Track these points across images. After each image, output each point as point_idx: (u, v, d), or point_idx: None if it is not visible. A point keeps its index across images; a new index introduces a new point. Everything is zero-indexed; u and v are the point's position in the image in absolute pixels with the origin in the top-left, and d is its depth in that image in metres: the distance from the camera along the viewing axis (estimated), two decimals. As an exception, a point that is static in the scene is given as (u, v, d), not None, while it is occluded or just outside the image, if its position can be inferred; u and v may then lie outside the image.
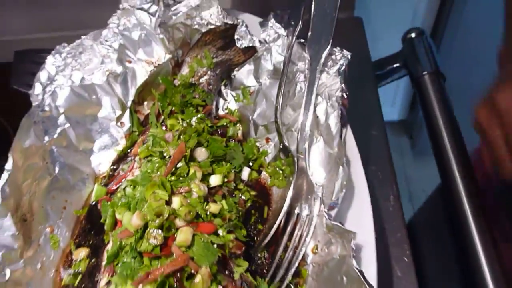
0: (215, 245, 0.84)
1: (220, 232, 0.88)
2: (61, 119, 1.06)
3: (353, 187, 0.91)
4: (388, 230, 1.06)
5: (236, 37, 1.12)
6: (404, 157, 3.70)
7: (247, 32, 1.11)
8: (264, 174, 1.09)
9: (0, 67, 1.50)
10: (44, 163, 1.02)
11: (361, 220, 0.87)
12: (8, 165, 0.93)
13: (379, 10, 2.20)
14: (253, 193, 1.06)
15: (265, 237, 0.97)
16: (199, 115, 1.07)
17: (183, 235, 0.81)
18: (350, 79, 1.03)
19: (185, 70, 1.17)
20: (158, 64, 1.13)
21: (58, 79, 1.07)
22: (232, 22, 1.10)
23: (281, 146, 1.06)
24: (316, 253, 0.95)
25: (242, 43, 1.12)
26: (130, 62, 1.12)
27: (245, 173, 1.07)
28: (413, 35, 1.57)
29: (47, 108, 1.05)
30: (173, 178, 0.93)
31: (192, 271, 0.80)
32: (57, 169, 1.04)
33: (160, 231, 0.82)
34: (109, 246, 0.91)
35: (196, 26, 1.13)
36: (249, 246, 0.97)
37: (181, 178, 0.93)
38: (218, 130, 1.11)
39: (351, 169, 0.93)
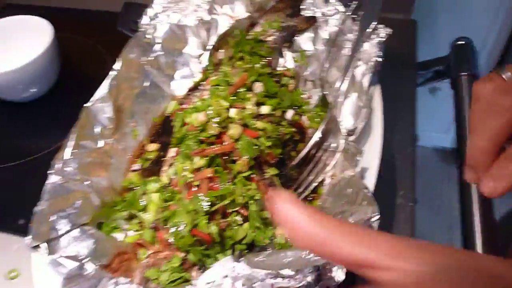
0: (255, 146, 1.10)
1: (261, 140, 1.14)
2: (157, 47, 1.38)
3: (370, 127, 1.14)
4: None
5: (302, 7, 1.38)
6: (449, 185, 3.77)
7: (312, 4, 1.37)
8: (304, 117, 1.34)
9: (110, 15, 1.83)
10: (138, 76, 1.33)
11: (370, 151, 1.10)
12: (116, 66, 1.25)
13: (437, 15, 2.38)
14: (293, 129, 1.31)
15: (295, 159, 1.22)
16: (262, 62, 1.34)
17: (234, 129, 1.08)
18: (392, 75, 1.25)
19: (257, 29, 1.45)
20: (237, 20, 1.42)
21: (160, 16, 1.39)
22: (301, -5, 1.38)
23: (321, 97, 1.31)
24: (334, 178, 1.18)
25: (306, 13, 1.38)
26: (216, 13, 1.41)
27: (289, 113, 1.32)
28: (461, 42, 1.75)
29: (148, 36, 1.37)
30: (234, 97, 1.20)
31: (235, 158, 1.07)
32: (146, 83, 1.35)
33: (217, 125, 1.09)
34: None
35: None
36: (281, 163, 1.22)
37: (239, 100, 1.20)
38: (274, 78, 1.37)
39: (372, 116, 1.16)
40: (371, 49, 1.27)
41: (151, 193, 1.11)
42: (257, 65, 1.33)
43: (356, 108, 1.23)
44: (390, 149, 1.32)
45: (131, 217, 1.13)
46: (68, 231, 0.96)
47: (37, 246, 0.90)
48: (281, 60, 1.48)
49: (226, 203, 1.00)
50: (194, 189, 1.02)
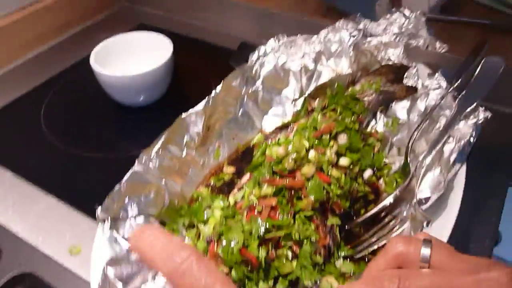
0: (324, 191, 1.12)
1: (332, 187, 1.15)
2: (259, 82, 1.48)
3: (446, 204, 1.10)
4: None
5: (405, 75, 1.40)
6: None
7: (415, 75, 1.39)
8: (381, 181, 1.32)
9: (225, 50, 1.99)
10: (234, 103, 1.43)
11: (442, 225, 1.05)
12: (218, 89, 1.35)
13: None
14: (367, 189, 1.30)
15: (363, 217, 1.20)
16: (352, 118, 1.37)
17: (308, 168, 1.11)
18: (483, 161, 1.22)
19: (357, 87, 1.49)
20: (339, 74, 1.48)
21: (269, 56, 1.49)
22: (407, 64, 1.40)
23: (403, 165, 1.29)
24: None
25: (407, 82, 1.40)
26: (321, 64, 1.49)
27: (367, 173, 1.32)
28: None
29: (253, 71, 1.47)
30: (316, 141, 1.23)
31: (302, 195, 1.09)
32: (240, 112, 1.44)
33: (293, 161, 1.13)
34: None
35: (379, 58, 1.45)
36: (346, 217, 1.21)
37: (319, 143, 1.23)
38: (362, 136, 1.38)
39: (451, 193, 1.12)
40: (465, 128, 1.24)
41: (215, 209, 1.16)
42: (347, 119, 1.36)
43: (436, 183, 1.20)
44: (466, 239, 1.25)
45: (191, 226, 1.18)
46: (134, 216, 1.03)
47: (104, 220, 0.98)
48: (372, 122, 1.50)
49: (281, 235, 1.01)
50: (254, 213, 1.05)
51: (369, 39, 1.46)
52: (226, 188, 1.29)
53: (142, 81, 1.62)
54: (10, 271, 1.18)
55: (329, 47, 1.49)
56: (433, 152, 1.23)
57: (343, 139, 1.29)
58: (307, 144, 1.19)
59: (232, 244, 0.97)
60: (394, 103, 1.47)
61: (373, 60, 1.48)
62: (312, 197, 1.09)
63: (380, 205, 1.20)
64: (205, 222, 1.15)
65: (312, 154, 1.18)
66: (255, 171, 1.17)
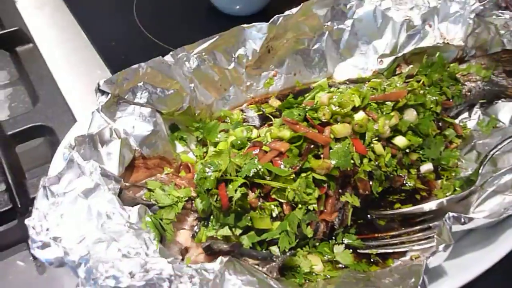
0: (352, 160, 0.91)
1: (365, 161, 0.94)
2: (349, 21, 1.25)
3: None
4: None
5: (528, 70, 1.08)
6: None
7: (542, 73, 1.06)
8: (438, 182, 1.07)
9: None
10: (312, 34, 1.23)
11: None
12: (294, 10, 1.16)
13: None
14: (418, 184, 1.06)
15: (392, 212, 0.99)
16: (436, 98, 1.10)
17: (342, 127, 0.91)
18: None
19: (463, 66, 1.19)
20: (447, 43, 1.19)
21: (374, -5, 1.24)
22: (537, 57, 1.07)
23: (472, 174, 1.02)
24: (413, 260, 0.92)
25: (528, 79, 1.08)
26: (430, 24, 1.20)
27: (427, 167, 1.07)
28: None
29: (348, 5, 1.24)
30: (374, 105, 1.01)
31: (321, 155, 0.90)
32: (314, 47, 1.25)
33: (328, 112, 0.93)
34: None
35: (505, 40, 1.13)
36: (371, 203, 1.00)
37: (380, 110, 1.00)
38: (440, 123, 1.12)
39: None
40: None
41: (231, 136, 1.03)
42: (430, 97, 1.10)
43: (499, 208, 0.92)
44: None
45: (204, 143, 1.07)
46: (140, 104, 0.94)
47: (103, 93, 0.90)
48: (465, 114, 1.21)
49: (274, 186, 0.85)
50: (256, 151, 0.89)
51: (501, 11, 1.12)
52: (260, 121, 1.14)
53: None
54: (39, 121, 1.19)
55: (448, 6, 1.19)
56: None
57: (410, 115, 1.04)
58: (357, 100, 0.97)
59: (210, 171, 0.83)
60: (500, 100, 1.15)
61: (496, 39, 1.15)
62: (332, 162, 0.89)
63: (416, 207, 0.97)
64: (215, 145, 1.03)
65: (360, 115, 0.97)
66: (286, 110, 1.00)
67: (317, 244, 0.95)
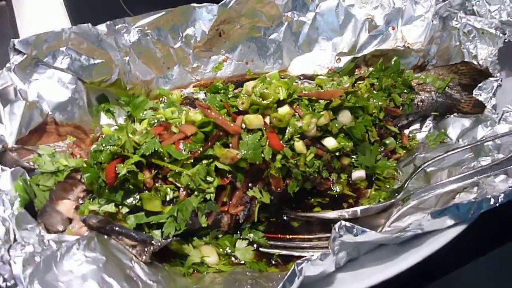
0: (261, 151, 0.86)
1: (277, 158, 0.89)
2: (310, 14, 1.21)
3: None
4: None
5: (479, 85, 1.01)
6: None
7: (492, 93, 0.99)
8: (368, 191, 1.02)
9: None
10: (268, 23, 1.18)
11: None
12: (249, -5, 1.12)
13: None
14: (346, 190, 1.01)
15: (304, 214, 0.95)
16: (381, 103, 1.04)
17: (253, 118, 0.87)
18: None
19: (421, 74, 1.13)
20: (408, 47, 1.13)
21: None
22: (491, 71, 1.00)
23: (397, 188, 0.97)
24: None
25: (478, 95, 1.01)
26: (392, 26, 1.15)
27: (358, 173, 1.02)
28: None
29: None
30: (306, 101, 0.96)
31: (230, 144, 0.86)
32: (270, 37, 1.20)
33: (248, 103, 0.89)
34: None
35: (466, 50, 1.06)
36: (287, 202, 0.96)
37: (311, 107, 0.95)
38: (382, 130, 1.06)
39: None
40: (501, 185, 0.85)
41: (160, 114, 1.00)
42: (374, 100, 1.04)
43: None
44: None
45: (132, 119, 1.05)
46: (60, 69, 0.92)
47: (19, 52, 0.88)
48: (416, 125, 1.14)
49: (172, 169, 0.81)
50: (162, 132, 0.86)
51: (467, 17, 1.05)
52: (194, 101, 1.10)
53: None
54: None
55: (413, 8, 1.13)
56: (441, 191, 0.88)
57: (345, 117, 0.98)
58: (283, 95, 0.92)
59: (107, 145, 0.81)
60: (452, 115, 1.08)
61: (457, 49, 1.08)
62: (240, 152, 0.85)
63: (328, 213, 0.93)
64: (140, 121, 1.01)
65: (284, 109, 0.92)
66: (210, 95, 0.96)
67: (220, 236, 0.91)
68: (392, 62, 1.13)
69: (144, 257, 0.74)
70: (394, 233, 0.77)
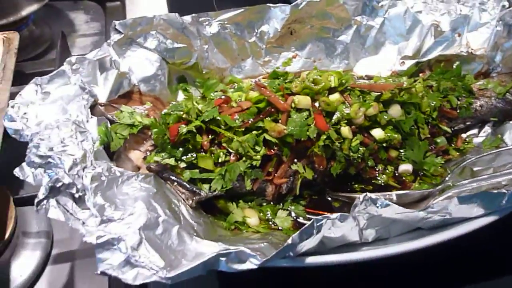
0: (307, 129, 0.95)
1: (321, 138, 0.97)
2: (378, 19, 1.27)
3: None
4: None
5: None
6: None
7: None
8: (412, 185, 1.05)
9: None
10: (337, 24, 1.28)
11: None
12: (320, -3, 1.22)
13: None
14: (391, 181, 1.06)
15: (344, 194, 1.01)
16: (435, 103, 1.08)
17: (301, 98, 0.97)
18: None
19: (481, 81, 1.14)
20: (471, 52, 1.15)
21: None
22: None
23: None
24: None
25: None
26: (458, 32, 1.18)
27: (405, 167, 1.07)
28: None
29: (380, 3, 1.26)
30: (357, 92, 1.03)
31: (280, 120, 0.96)
32: (339, 38, 1.29)
33: (300, 86, 0.99)
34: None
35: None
36: (332, 183, 1.03)
37: (362, 97, 1.03)
38: (434, 128, 1.09)
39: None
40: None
41: (224, 94, 1.12)
42: (430, 101, 1.08)
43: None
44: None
45: (204, 99, 1.20)
46: (148, 49, 1.10)
47: (118, 31, 1.08)
48: (474, 130, 1.15)
49: (226, 135, 0.94)
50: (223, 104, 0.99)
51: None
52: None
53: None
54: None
55: (480, 15, 1.15)
56: (480, 183, 0.90)
57: (395, 111, 1.04)
58: (335, 83, 1.01)
59: (175, 110, 0.96)
60: (511, 121, 1.08)
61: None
62: (287, 128, 0.95)
63: (362, 195, 0.98)
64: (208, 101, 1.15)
65: (334, 96, 1.01)
66: (270, 78, 1.08)
67: (264, 204, 1.01)
68: (454, 67, 1.16)
69: (190, 201, 0.87)
70: (419, 212, 0.81)
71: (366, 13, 1.27)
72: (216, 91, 1.17)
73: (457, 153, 1.11)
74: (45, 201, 0.71)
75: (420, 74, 1.25)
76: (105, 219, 0.70)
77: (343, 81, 1.02)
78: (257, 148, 0.95)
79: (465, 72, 1.18)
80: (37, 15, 1.58)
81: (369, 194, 0.81)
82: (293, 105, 0.97)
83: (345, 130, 0.99)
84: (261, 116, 0.96)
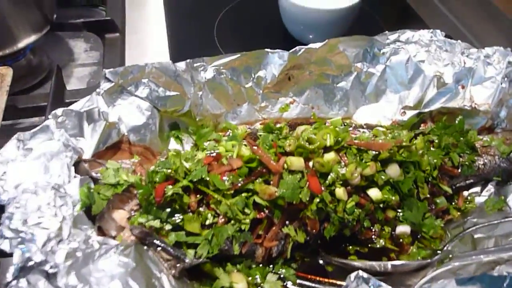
0: (299, 192, 0.91)
1: (314, 201, 0.93)
2: (379, 66, 1.24)
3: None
4: None
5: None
6: None
7: None
8: (409, 248, 1.00)
9: None
10: (337, 71, 1.24)
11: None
12: (317, 45, 1.19)
13: None
14: (388, 243, 1.01)
15: (338, 260, 0.97)
16: (435, 161, 1.03)
17: (295, 160, 0.93)
18: None
19: (487, 136, 1.10)
20: (475, 107, 1.11)
21: (410, 45, 1.21)
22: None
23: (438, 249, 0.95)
24: None
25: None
26: (461, 85, 1.14)
27: (403, 228, 1.02)
28: None
29: (382, 50, 1.22)
30: (354, 150, 0.99)
31: (271, 182, 0.92)
32: (339, 85, 1.25)
33: (294, 145, 0.95)
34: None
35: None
36: (324, 246, 0.99)
37: (359, 155, 0.98)
38: (434, 188, 1.04)
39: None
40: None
41: (221, 146, 1.08)
42: (430, 158, 1.04)
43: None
44: None
45: (197, 147, 1.16)
46: (139, 97, 1.07)
47: (108, 80, 1.04)
48: (477, 188, 1.10)
49: (214, 196, 0.90)
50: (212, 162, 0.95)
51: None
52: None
53: (327, 17, 1.49)
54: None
55: (485, 69, 1.11)
56: (481, 259, 0.85)
57: (393, 170, 0.99)
58: (331, 142, 0.97)
59: (163, 168, 0.92)
60: (516, 183, 1.03)
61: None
62: (279, 191, 0.91)
63: (354, 262, 0.93)
64: (202, 150, 1.11)
65: (329, 156, 0.97)
66: (264, 134, 1.04)
67: (253, 266, 0.97)
68: (457, 121, 1.12)
69: (173, 271, 0.83)
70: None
71: (367, 60, 1.23)
72: (209, 140, 1.14)
73: (458, 213, 1.07)
74: (14, 282, 0.67)
75: (422, 125, 1.21)
76: (76, 304, 0.66)
77: (339, 139, 0.98)
78: (247, 211, 0.91)
79: (468, 126, 1.14)
80: (35, 44, 1.55)
81: (360, 273, 0.76)
82: (285, 166, 0.93)
83: (340, 192, 0.95)
84: (252, 177, 0.92)
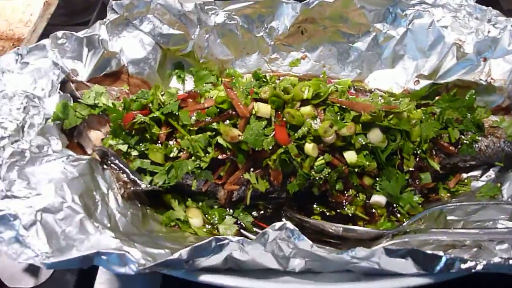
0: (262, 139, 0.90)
1: (278, 151, 0.91)
2: (400, 29, 1.15)
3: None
4: None
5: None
6: None
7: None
8: (381, 220, 0.95)
9: None
10: (354, 30, 1.17)
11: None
12: (334, -2, 1.13)
13: None
14: (358, 210, 0.97)
15: (299, 217, 0.95)
16: (427, 134, 0.95)
17: (262, 106, 0.91)
18: None
19: (494, 117, 0.98)
20: (490, 82, 0.99)
21: (437, 8, 1.10)
22: None
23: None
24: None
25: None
26: (482, 57, 1.02)
27: (378, 198, 0.96)
28: None
29: (404, 12, 1.13)
30: (336, 108, 0.94)
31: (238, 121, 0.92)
32: (354, 45, 1.18)
33: (271, 92, 0.93)
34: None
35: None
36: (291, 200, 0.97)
37: (340, 114, 0.94)
38: (421, 162, 0.96)
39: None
40: (501, 254, 0.72)
41: (216, 89, 1.09)
42: (420, 128, 0.95)
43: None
44: None
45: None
46: (143, 32, 1.10)
47: (116, 12, 1.09)
48: (477, 172, 1.00)
49: (180, 131, 0.92)
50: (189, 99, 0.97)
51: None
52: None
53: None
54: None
55: (510, 40, 0.98)
56: (433, 237, 0.79)
57: (374, 135, 0.93)
58: (308, 95, 0.93)
59: (140, 97, 0.96)
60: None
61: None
62: (243, 135, 0.90)
63: (318, 222, 0.90)
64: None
65: (305, 109, 0.93)
66: (250, 79, 1.03)
67: (215, 207, 0.98)
68: (467, 96, 1.00)
69: (122, 190, 0.87)
70: (343, 254, 0.72)
71: (388, 21, 1.14)
72: (207, 83, 1.15)
73: (448, 194, 0.98)
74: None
75: (437, 97, 1.11)
76: (9, 195, 0.72)
77: (321, 93, 0.94)
78: (209, 150, 0.92)
79: (483, 104, 1.02)
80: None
81: (288, 224, 0.74)
82: (254, 111, 0.92)
83: (309, 147, 0.91)
84: (217, 118, 0.92)
